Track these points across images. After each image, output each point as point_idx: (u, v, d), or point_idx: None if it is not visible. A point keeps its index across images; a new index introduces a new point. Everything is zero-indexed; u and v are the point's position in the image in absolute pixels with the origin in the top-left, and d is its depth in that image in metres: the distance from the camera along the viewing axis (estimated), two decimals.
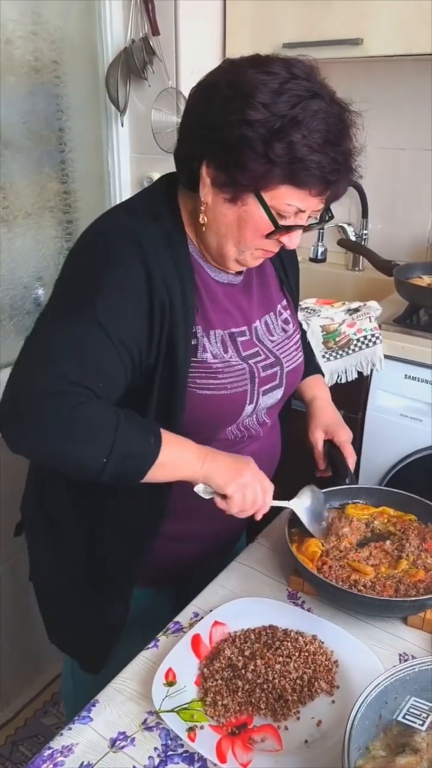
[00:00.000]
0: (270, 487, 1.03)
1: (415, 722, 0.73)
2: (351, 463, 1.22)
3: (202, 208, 0.98)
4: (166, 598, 1.32)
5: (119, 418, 0.91)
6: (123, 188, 2.19)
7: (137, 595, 1.14)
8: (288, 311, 1.19)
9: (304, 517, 1.09)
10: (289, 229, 0.97)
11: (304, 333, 1.44)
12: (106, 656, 1.13)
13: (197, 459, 0.97)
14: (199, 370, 1.01)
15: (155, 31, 2.01)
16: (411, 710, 0.74)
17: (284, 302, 1.19)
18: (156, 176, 2.19)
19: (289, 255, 1.21)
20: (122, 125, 2.15)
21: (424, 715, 0.73)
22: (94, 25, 2.06)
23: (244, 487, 0.99)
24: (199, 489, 0.99)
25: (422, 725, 0.72)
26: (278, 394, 1.13)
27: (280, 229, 0.95)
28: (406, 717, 0.73)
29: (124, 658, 0.97)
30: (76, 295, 0.94)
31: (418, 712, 0.73)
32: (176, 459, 0.96)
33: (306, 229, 0.99)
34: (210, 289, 1.05)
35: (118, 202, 2.21)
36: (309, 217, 0.98)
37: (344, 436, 1.25)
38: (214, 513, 1.00)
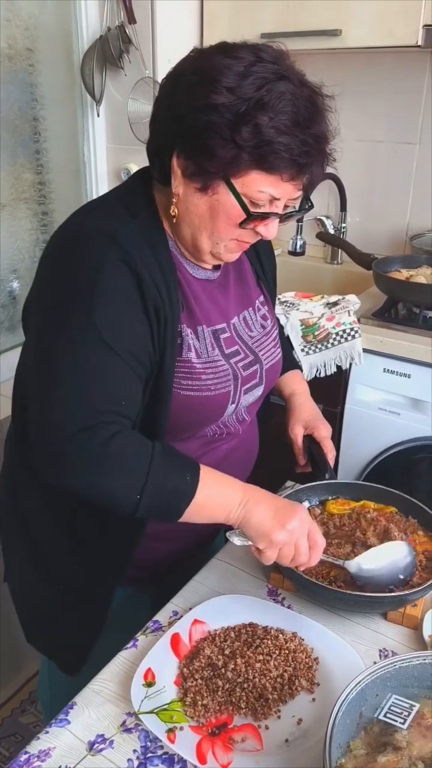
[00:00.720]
0: (320, 543, 0.94)
1: (396, 720, 0.72)
2: (330, 459, 1.21)
3: (174, 200, 0.95)
4: (145, 596, 1.30)
5: (154, 453, 0.88)
6: (99, 179, 2.16)
7: (116, 593, 1.12)
8: (266, 307, 1.18)
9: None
10: (263, 217, 0.93)
11: (281, 327, 1.43)
12: (85, 657, 1.11)
13: (237, 503, 0.92)
14: (182, 371, 0.99)
15: (131, 19, 1.97)
16: (392, 708, 0.73)
17: (261, 298, 1.18)
18: (133, 167, 2.16)
19: (265, 249, 1.20)
20: (98, 115, 2.12)
21: (405, 713, 0.73)
22: (69, 13, 2.02)
23: (279, 544, 0.92)
24: (231, 535, 0.96)
25: (403, 723, 0.72)
26: (258, 392, 1.12)
27: (252, 217, 0.92)
28: (388, 715, 0.73)
29: (102, 658, 0.95)
30: (70, 316, 0.89)
31: (399, 710, 0.73)
32: (215, 499, 0.92)
33: (284, 218, 0.97)
34: (191, 285, 1.03)
35: (94, 193, 2.19)
36: (286, 206, 0.95)
37: (324, 431, 1.24)
38: None
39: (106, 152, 2.17)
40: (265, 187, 0.90)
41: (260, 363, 1.11)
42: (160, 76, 2.02)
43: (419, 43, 1.70)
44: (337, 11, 1.79)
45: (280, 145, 0.86)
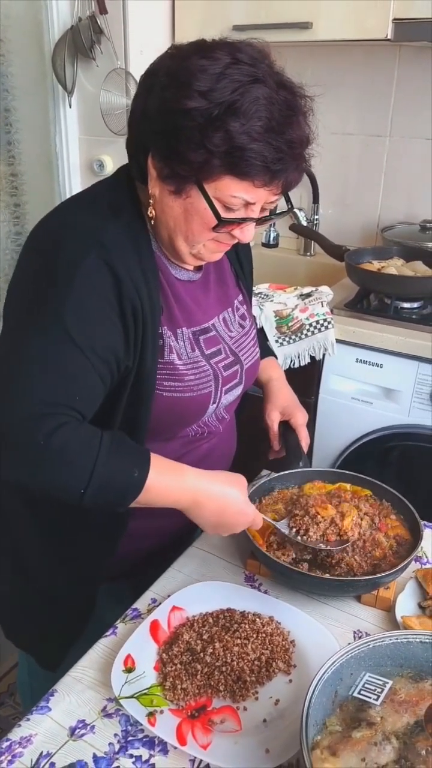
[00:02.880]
0: (256, 518, 1.01)
1: (370, 697, 0.74)
2: (304, 447, 1.23)
3: (151, 201, 0.94)
4: (125, 589, 1.31)
5: (101, 446, 0.86)
6: (72, 171, 2.15)
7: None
8: (244, 306, 1.18)
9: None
10: (239, 222, 0.92)
11: (253, 318, 1.44)
12: (65, 654, 1.11)
13: (181, 506, 0.94)
14: (164, 373, 0.99)
15: (102, 10, 1.96)
16: (366, 686, 0.76)
17: (240, 297, 1.18)
18: (106, 159, 2.16)
19: (244, 247, 1.20)
20: (70, 106, 2.11)
21: (379, 690, 0.75)
22: (39, 2, 2.00)
23: (223, 531, 0.99)
24: None
25: (377, 700, 0.74)
26: (238, 391, 1.13)
27: (223, 222, 0.90)
28: (362, 692, 0.75)
29: (81, 651, 0.95)
30: (41, 307, 0.88)
31: (373, 687, 0.75)
32: (159, 500, 0.92)
33: (261, 221, 0.95)
34: (173, 287, 1.02)
35: (67, 184, 2.18)
36: (263, 209, 0.94)
37: (300, 418, 1.26)
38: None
39: (78, 143, 2.16)
40: (238, 193, 0.88)
41: (240, 363, 1.12)
42: (132, 67, 2.02)
43: (389, 37, 1.72)
44: (308, 4, 1.80)
45: (252, 152, 0.84)
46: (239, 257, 1.19)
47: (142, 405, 0.98)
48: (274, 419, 1.26)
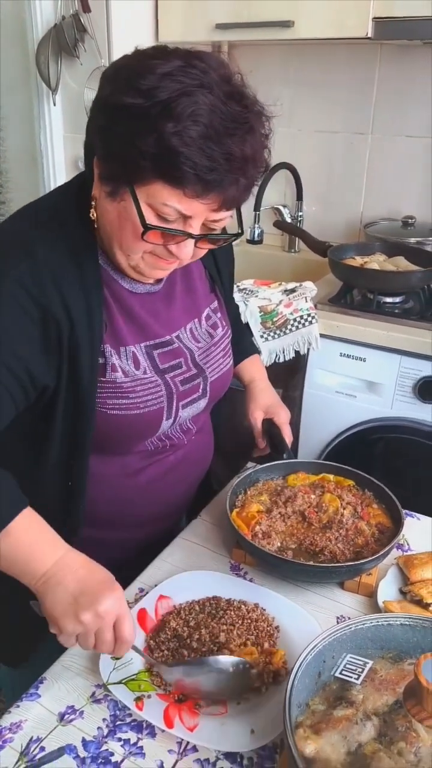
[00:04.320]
0: (127, 638, 0.83)
1: (351, 677, 0.77)
2: (288, 444, 1.26)
3: (93, 203, 0.91)
4: None
5: None
6: (57, 168, 2.16)
7: None
8: (218, 314, 1.15)
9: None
10: (169, 232, 0.86)
11: (239, 314, 1.46)
12: (28, 652, 1.08)
13: (36, 577, 0.83)
14: (108, 390, 0.97)
15: (86, 8, 1.97)
16: (347, 666, 0.78)
17: (215, 304, 1.15)
18: None
19: (222, 250, 1.14)
20: (54, 104, 2.11)
21: (359, 670, 0.77)
22: (23, 1, 2.01)
23: (69, 633, 0.82)
24: (34, 604, 0.86)
25: (357, 679, 0.76)
26: (201, 404, 1.10)
27: (148, 228, 0.85)
28: (343, 672, 0.77)
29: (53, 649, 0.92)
30: None
31: (354, 667, 0.77)
32: (11, 565, 0.84)
33: (202, 240, 0.89)
34: (123, 302, 0.99)
35: (51, 182, 2.18)
36: (209, 227, 0.89)
37: (284, 417, 1.27)
38: (139, 521, 0.96)
39: (63, 141, 2.17)
40: (170, 201, 0.84)
41: (203, 376, 1.09)
42: None
43: (369, 35, 1.74)
44: (289, 3, 1.82)
45: (183, 156, 0.80)
46: (216, 262, 1.16)
47: (81, 421, 0.97)
48: (257, 418, 1.27)
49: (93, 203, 0.92)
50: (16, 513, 0.84)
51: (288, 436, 1.26)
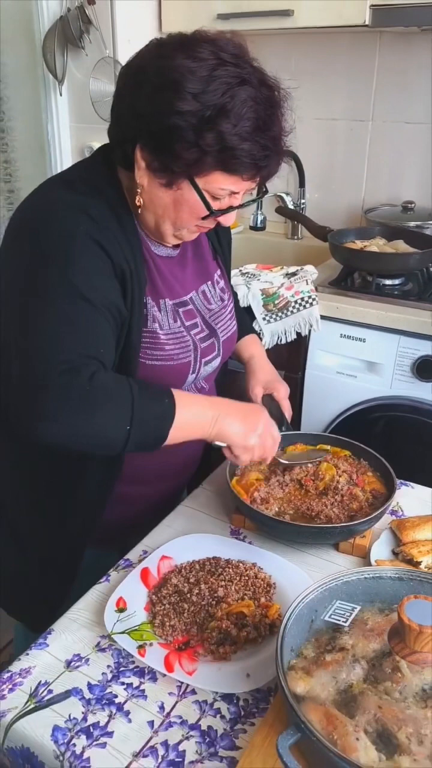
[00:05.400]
0: (277, 437, 1.07)
1: (339, 620, 0.81)
2: (287, 418, 1.29)
3: (139, 190, 0.99)
4: (111, 558, 1.35)
5: (131, 384, 0.92)
6: (64, 158, 2.21)
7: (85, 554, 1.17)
8: (222, 280, 1.24)
9: None
10: (223, 211, 1.00)
11: (235, 294, 1.51)
12: (54, 617, 1.12)
13: (210, 420, 0.98)
14: (147, 341, 1.05)
15: (90, 0, 2.02)
16: (336, 611, 0.82)
17: (219, 272, 1.24)
18: (97, 146, 2.21)
19: (223, 227, 1.25)
20: (61, 94, 2.16)
21: (348, 614, 0.82)
22: None
23: (253, 447, 1.02)
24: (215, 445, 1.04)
25: (345, 622, 0.81)
26: (216, 362, 1.19)
27: (214, 213, 0.99)
28: (332, 617, 0.82)
29: None
30: (46, 275, 0.92)
31: (342, 612, 0.82)
32: (191, 419, 0.97)
33: (240, 207, 1.03)
34: (155, 262, 1.09)
35: (59, 170, 2.21)
36: (243, 194, 1.02)
37: (282, 391, 1.31)
38: (159, 474, 1.03)
39: (69, 131, 2.22)
40: (227, 185, 0.96)
41: (216, 336, 1.18)
42: (120, 55, 2.08)
43: (367, 23, 1.78)
44: None
45: (242, 151, 0.92)
46: (218, 234, 1.24)
47: (128, 371, 1.03)
48: (257, 393, 1.31)
49: (138, 190, 0.99)
50: (172, 395, 0.95)
51: (287, 411, 1.30)
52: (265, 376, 1.34)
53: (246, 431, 1.01)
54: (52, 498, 1.15)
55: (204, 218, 1.01)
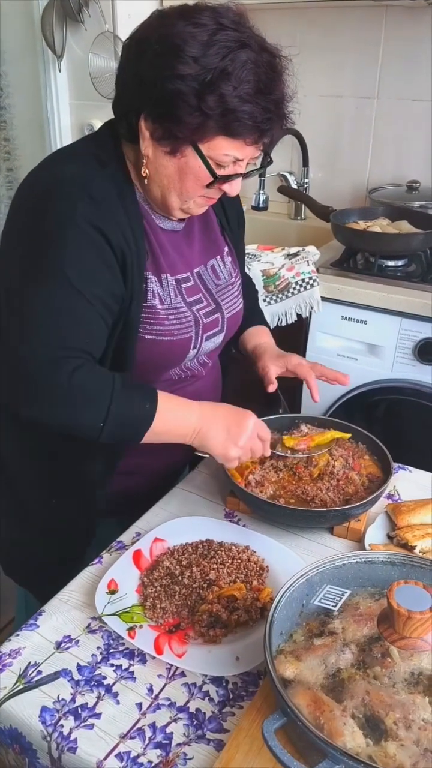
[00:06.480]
0: (266, 437, 1.06)
1: (329, 605, 0.80)
2: (313, 382, 1.25)
3: (144, 161, 0.99)
4: (115, 528, 1.37)
5: (114, 384, 0.93)
6: (63, 135, 2.18)
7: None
8: (230, 257, 1.22)
9: None
10: (228, 178, 0.99)
11: (253, 284, 1.49)
12: (62, 586, 1.17)
13: (191, 432, 0.99)
14: (146, 316, 1.05)
15: None
16: (326, 595, 0.82)
17: (226, 249, 1.22)
18: (97, 123, 2.18)
19: (232, 204, 1.24)
20: (60, 70, 2.13)
21: (337, 598, 0.81)
22: None
23: (235, 459, 1.02)
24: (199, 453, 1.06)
25: (335, 606, 0.80)
26: (219, 338, 1.18)
27: (219, 179, 0.98)
28: (322, 601, 0.81)
29: None
30: (42, 263, 0.94)
31: (332, 596, 0.81)
32: (171, 428, 0.99)
33: (245, 175, 1.02)
34: (158, 236, 1.08)
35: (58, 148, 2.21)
36: (247, 164, 1.01)
37: (295, 359, 1.26)
38: (157, 447, 1.02)
39: (69, 108, 2.19)
40: (230, 151, 0.96)
41: (221, 311, 1.17)
42: (120, 30, 2.04)
43: None
44: None
45: (244, 113, 0.92)
46: (226, 212, 1.23)
47: (127, 347, 1.04)
48: (267, 366, 1.26)
49: (144, 161, 0.99)
50: (156, 398, 0.97)
51: (308, 372, 1.25)
52: (274, 352, 1.30)
53: (226, 444, 1.00)
54: (61, 470, 1.16)
55: (209, 186, 0.99)
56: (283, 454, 1.16)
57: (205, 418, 1.00)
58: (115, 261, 0.98)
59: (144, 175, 1.01)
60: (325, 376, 1.26)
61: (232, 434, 1.00)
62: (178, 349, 1.09)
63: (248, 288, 1.41)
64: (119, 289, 0.99)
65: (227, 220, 1.24)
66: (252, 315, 1.35)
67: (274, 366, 1.26)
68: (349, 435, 1.21)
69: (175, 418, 0.99)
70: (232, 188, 1.03)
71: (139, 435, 0.96)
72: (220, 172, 0.98)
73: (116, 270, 0.99)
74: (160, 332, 1.06)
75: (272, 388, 1.27)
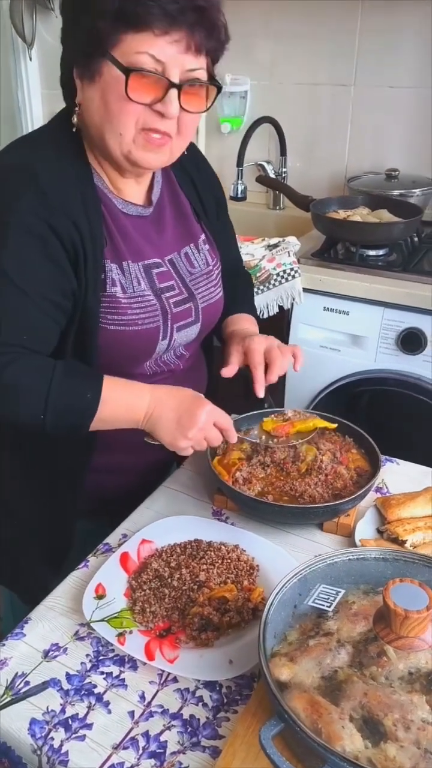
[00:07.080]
0: (226, 425, 1.01)
1: (323, 605, 0.79)
2: (299, 361, 1.21)
3: (76, 110, 0.96)
4: (102, 528, 1.34)
5: (53, 375, 0.92)
6: (35, 125, 2.12)
7: (77, 527, 1.16)
8: (207, 246, 1.19)
9: None
10: (150, 73, 0.89)
11: (247, 274, 1.46)
12: (47, 587, 1.15)
13: (141, 418, 0.98)
14: (107, 305, 1.01)
15: None
16: (320, 595, 0.80)
17: (203, 236, 1.19)
18: None
19: (209, 190, 1.20)
20: (30, 59, 2.07)
21: (331, 598, 0.79)
22: None
23: (186, 448, 0.99)
24: (147, 437, 1.02)
25: (329, 607, 0.79)
26: (194, 330, 1.14)
27: (130, 71, 0.88)
28: (316, 601, 0.79)
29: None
30: None
31: (326, 596, 0.80)
32: (119, 415, 0.97)
33: (178, 87, 0.91)
34: (119, 221, 1.04)
35: None
36: (183, 79, 0.92)
37: (255, 343, 1.17)
38: (139, 445, 1.00)
39: (41, 98, 2.13)
40: (143, 47, 0.88)
41: (195, 301, 1.13)
42: None
43: None
44: None
45: None
46: (201, 199, 1.19)
47: (87, 337, 1.01)
48: (232, 353, 1.19)
49: (76, 109, 0.96)
50: (101, 386, 0.95)
51: (290, 351, 1.21)
52: (242, 336, 1.21)
53: (175, 435, 0.98)
54: (37, 467, 1.14)
55: (131, 96, 0.89)
56: (251, 440, 1.13)
57: (155, 403, 0.98)
58: (64, 255, 0.95)
59: (74, 123, 0.97)
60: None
61: (182, 424, 0.97)
62: (145, 340, 1.06)
63: (237, 277, 1.36)
64: (69, 284, 0.97)
65: (204, 208, 1.20)
66: (234, 303, 1.30)
67: (236, 350, 1.18)
68: (335, 426, 1.19)
69: (124, 405, 0.98)
70: (167, 107, 0.91)
71: (84, 424, 0.95)
72: (141, 75, 0.89)
73: (65, 264, 0.96)
74: (124, 322, 1.03)
75: (227, 372, 1.18)
